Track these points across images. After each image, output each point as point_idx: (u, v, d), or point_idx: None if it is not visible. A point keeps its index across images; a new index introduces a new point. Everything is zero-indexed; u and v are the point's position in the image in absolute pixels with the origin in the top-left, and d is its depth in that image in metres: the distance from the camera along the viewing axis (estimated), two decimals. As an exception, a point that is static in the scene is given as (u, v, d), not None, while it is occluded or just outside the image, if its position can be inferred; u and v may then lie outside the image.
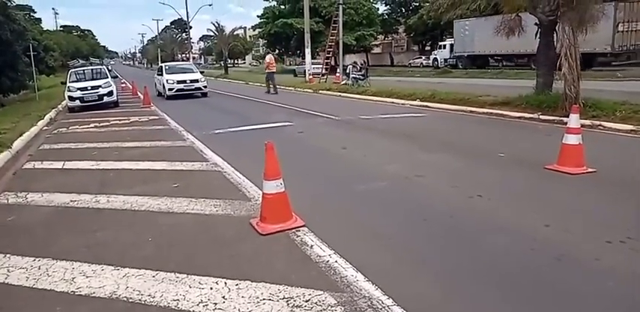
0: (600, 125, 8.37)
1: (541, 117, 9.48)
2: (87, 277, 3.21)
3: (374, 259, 3.35)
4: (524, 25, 11.17)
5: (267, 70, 20.20)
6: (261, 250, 3.59)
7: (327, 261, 3.28)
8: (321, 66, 25.06)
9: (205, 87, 18.68)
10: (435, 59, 37.57)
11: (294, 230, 3.86)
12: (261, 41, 57.54)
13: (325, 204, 4.74)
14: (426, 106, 12.61)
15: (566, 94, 9.17)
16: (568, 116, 5.77)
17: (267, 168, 3.88)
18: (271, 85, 19.52)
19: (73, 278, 3.20)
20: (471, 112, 11.16)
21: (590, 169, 5.35)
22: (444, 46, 36.71)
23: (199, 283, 3.04)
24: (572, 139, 5.43)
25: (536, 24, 10.48)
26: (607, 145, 7.24)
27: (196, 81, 18.47)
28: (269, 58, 20.74)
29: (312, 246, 3.55)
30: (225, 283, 3.02)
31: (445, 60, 35.78)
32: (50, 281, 3.18)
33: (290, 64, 41.07)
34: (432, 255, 3.45)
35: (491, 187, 5.07)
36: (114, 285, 3.07)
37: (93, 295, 2.97)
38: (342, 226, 4.09)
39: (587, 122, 8.20)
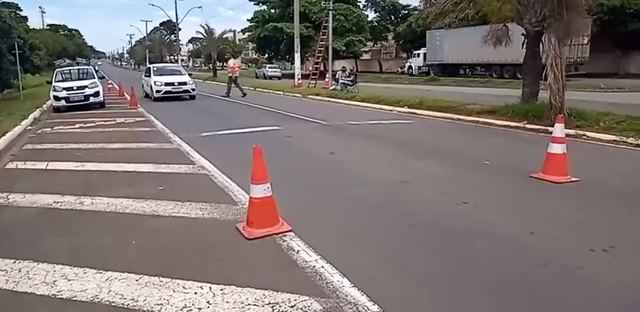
0: (584, 135, 8.51)
1: (527, 126, 9.61)
2: (68, 280, 3.15)
3: (360, 264, 3.35)
4: (510, 34, 11.37)
5: (231, 74, 20.41)
6: (247, 254, 3.56)
7: (314, 266, 3.27)
8: (279, 69, 25.72)
9: (194, 90, 18.58)
10: (410, 67, 39.02)
11: (280, 235, 3.84)
12: (251, 45, 57.43)
13: (312, 209, 4.73)
14: (414, 113, 12.70)
15: (552, 103, 9.33)
16: (553, 126, 5.86)
17: (255, 172, 3.86)
18: (234, 88, 19.74)
19: (55, 281, 3.13)
20: (458, 119, 11.27)
21: (573, 178, 5.42)
22: (418, 55, 37.92)
23: (184, 287, 3.00)
24: (556, 149, 5.51)
25: (523, 34, 10.66)
26: (590, 154, 7.35)
27: (184, 83, 18.34)
28: (232, 62, 21.14)
29: (298, 251, 3.53)
30: (210, 287, 2.98)
31: (419, 67, 37.41)
32: (31, 284, 3.11)
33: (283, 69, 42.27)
34: (418, 261, 3.46)
35: (477, 194, 5.10)
36: (96, 288, 3.01)
37: (74, 298, 2.91)
38: (329, 231, 4.08)
39: (572, 132, 8.33)
